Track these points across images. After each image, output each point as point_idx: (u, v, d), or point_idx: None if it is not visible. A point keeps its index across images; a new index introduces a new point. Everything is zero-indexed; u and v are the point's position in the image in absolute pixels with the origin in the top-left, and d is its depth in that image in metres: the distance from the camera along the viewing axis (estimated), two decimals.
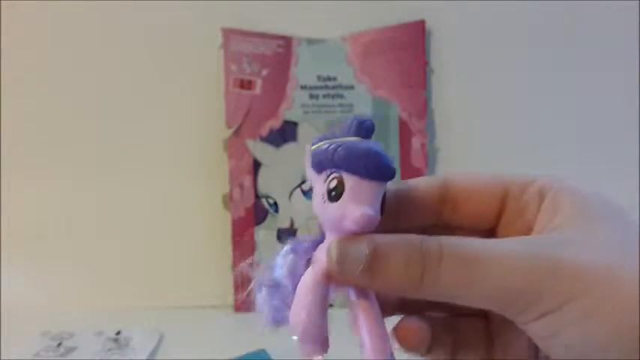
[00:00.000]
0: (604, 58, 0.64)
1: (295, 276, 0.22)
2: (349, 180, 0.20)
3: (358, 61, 0.63)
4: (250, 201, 0.62)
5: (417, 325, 0.24)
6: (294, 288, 0.21)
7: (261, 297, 0.22)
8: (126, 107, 0.64)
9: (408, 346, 0.23)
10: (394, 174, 0.21)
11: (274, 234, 0.62)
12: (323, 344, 0.22)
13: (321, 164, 0.21)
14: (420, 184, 0.24)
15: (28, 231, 0.64)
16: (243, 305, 0.62)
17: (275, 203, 0.62)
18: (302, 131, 0.62)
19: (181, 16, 0.63)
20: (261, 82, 0.62)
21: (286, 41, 0.62)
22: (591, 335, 0.19)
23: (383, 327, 0.21)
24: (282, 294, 0.22)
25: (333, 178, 0.20)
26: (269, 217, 0.62)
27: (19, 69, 0.63)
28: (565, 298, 0.19)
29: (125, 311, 0.60)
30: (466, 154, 0.65)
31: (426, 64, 0.63)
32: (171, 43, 0.63)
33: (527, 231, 0.23)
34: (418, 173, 0.63)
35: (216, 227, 0.63)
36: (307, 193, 0.63)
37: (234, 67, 0.62)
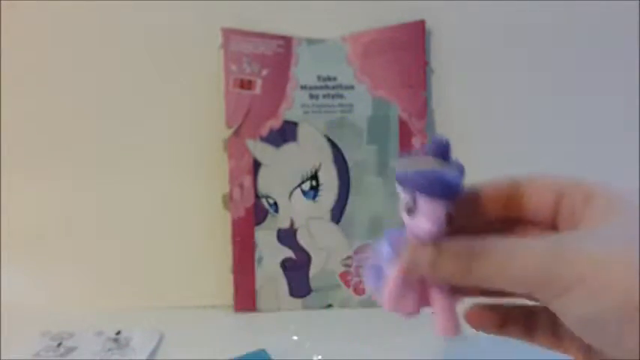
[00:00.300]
0: (604, 58, 0.64)
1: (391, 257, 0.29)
2: (420, 199, 0.26)
3: (358, 61, 0.63)
4: (250, 201, 0.62)
5: (480, 311, 0.31)
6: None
7: (367, 270, 0.30)
8: (126, 107, 0.64)
9: (475, 327, 0.31)
10: (457, 192, 0.27)
11: (274, 234, 0.62)
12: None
13: (402, 183, 0.27)
14: (492, 183, 0.31)
15: (27, 231, 0.64)
16: (243, 305, 0.62)
17: (275, 203, 0.62)
18: (302, 131, 0.62)
19: (181, 16, 0.63)
20: (261, 82, 0.62)
21: (286, 41, 0.63)
22: (596, 311, 0.23)
23: (452, 310, 0.28)
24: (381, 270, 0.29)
25: (410, 197, 0.26)
26: (269, 217, 0.62)
27: (19, 69, 0.63)
28: (570, 281, 0.23)
29: (125, 311, 0.60)
30: (466, 154, 0.65)
31: (426, 64, 0.63)
32: (171, 43, 0.63)
33: (574, 228, 0.28)
34: None
35: (216, 227, 0.63)
36: (307, 193, 0.63)
37: (234, 67, 0.62)
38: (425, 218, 0.26)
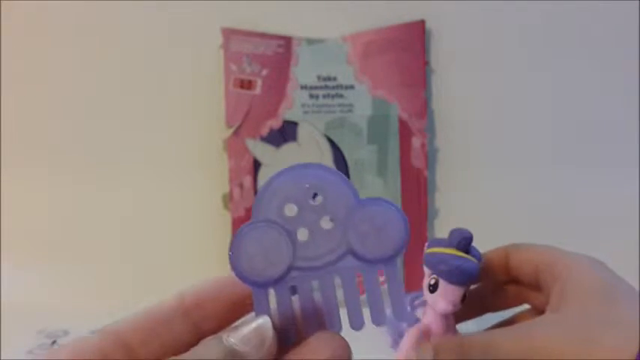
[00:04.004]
0: (604, 58, 0.64)
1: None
2: (442, 282, 0.32)
3: (358, 61, 0.63)
4: (250, 201, 0.62)
5: None
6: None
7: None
8: (126, 107, 0.64)
9: None
10: (473, 280, 0.33)
11: None
12: None
13: (427, 265, 0.33)
14: (493, 253, 0.35)
15: (27, 231, 0.64)
16: None
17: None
18: (302, 131, 0.62)
19: (181, 16, 0.63)
20: (261, 82, 0.62)
21: (286, 41, 0.62)
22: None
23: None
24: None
25: (433, 278, 0.32)
26: None
27: (19, 69, 0.63)
28: None
29: (124, 310, 0.60)
30: (466, 154, 0.65)
31: (426, 64, 0.63)
32: (171, 43, 0.63)
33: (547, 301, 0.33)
34: (418, 173, 0.63)
35: (216, 227, 0.63)
36: None
37: (234, 67, 0.62)
38: (442, 299, 0.32)
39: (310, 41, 0.63)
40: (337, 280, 0.23)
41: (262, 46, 0.62)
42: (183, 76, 0.63)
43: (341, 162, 0.63)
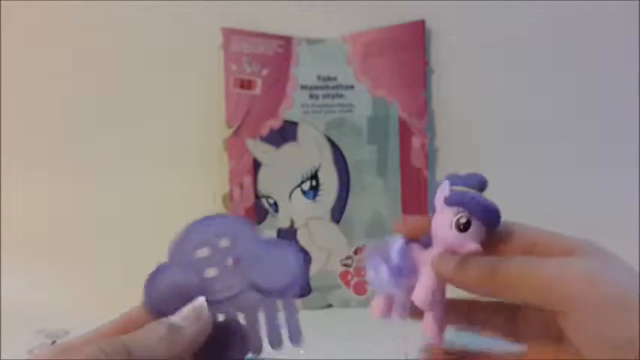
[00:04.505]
0: (604, 58, 0.64)
1: (407, 259, 0.31)
2: (474, 222, 0.29)
3: (358, 61, 0.63)
4: (250, 201, 0.62)
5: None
6: (404, 268, 0.31)
7: (376, 268, 0.31)
8: (126, 107, 0.64)
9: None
10: (498, 225, 0.30)
11: (274, 234, 0.62)
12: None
13: (456, 201, 0.30)
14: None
15: (27, 231, 0.64)
16: None
17: (275, 203, 0.62)
18: (302, 131, 0.62)
19: (181, 16, 0.63)
20: (261, 82, 0.62)
21: (286, 41, 0.62)
22: (613, 336, 0.26)
23: (440, 323, 0.31)
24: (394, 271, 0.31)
25: (463, 216, 0.30)
26: (269, 217, 0.62)
27: (19, 69, 0.63)
28: (599, 299, 0.26)
29: (124, 311, 0.60)
30: (466, 154, 0.65)
31: (426, 64, 0.63)
32: (172, 43, 0.63)
33: None
34: (418, 173, 0.63)
35: None
36: (307, 193, 0.63)
37: (234, 67, 0.62)
38: (472, 239, 0.30)
39: (310, 41, 0.63)
40: (240, 311, 0.28)
41: (262, 46, 0.62)
42: (184, 76, 0.63)
43: (341, 162, 0.63)
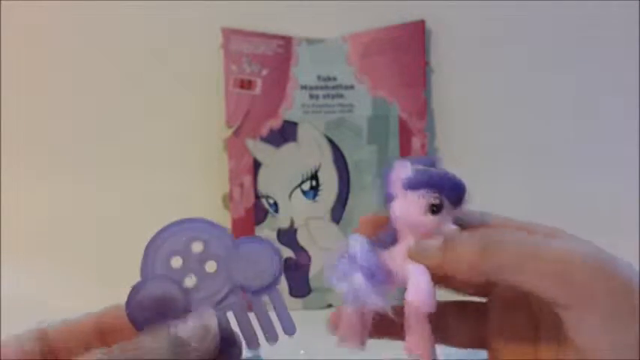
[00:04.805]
0: (604, 58, 0.64)
1: (377, 261, 0.27)
2: (445, 202, 0.26)
3: (358, 61, 0.63)
4: (250, 201, 0.62)
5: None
6: (378, 271, 0.26)
7: (346, 276, 0.27)
8: (126, 107, 0.64)
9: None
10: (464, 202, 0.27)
11: (274, 234, 0.62)
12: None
13: (422, 184, 0.27)
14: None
15: (28, 231, 0.64)
16: None
17: (275, 203, 0.62)
18: (302, 131, 0.62)
19: (181, 16, 0.63)
20: (261, 82, 0.62)
21: (286, 41, 0.62)
22: (623, 335, 0.23)
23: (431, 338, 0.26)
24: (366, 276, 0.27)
25: (435, 197, 0.26)
26: (269, 217, 0.62)
27: (19, 69, 0.63)
28: (613, 293, 0.23)
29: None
30: (466, 154, 0.65)
31: (426, 64, 0.63)
32: (172, 43, 0.63)
33: None
34: None
35: None
36: (307, 193, 0.63)
37: (234, 67, 0.62)
38: (448, 221, 0.27)
39: (310, 41, 0.63)
40: (230, 313, 0.27)
41: (262, 46, 0.62)
42: (183, 76, 0.63)
43: (341, 162, 0.63)
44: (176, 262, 0.27)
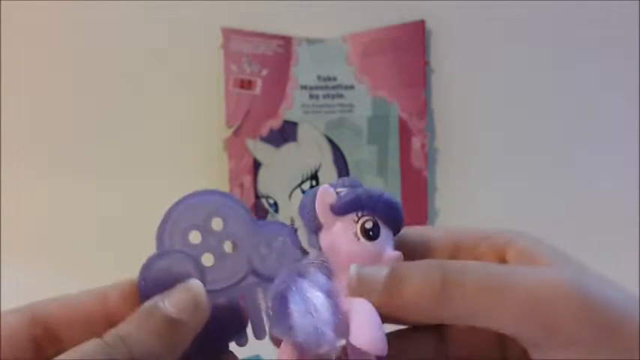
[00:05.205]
0: (604, 58, 0.64)
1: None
2: (381, 224, 0.23)
3: (358, 61, 0.63)
4: (250, 201, 0.62)
5: None
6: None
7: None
8: (126, 107, 0.64)
9: None
10: (402, 224, 0.24)
11: None
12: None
13: (351, 206, 0.23)
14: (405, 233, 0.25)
15: (27, 231, 0.64)
16: None
17: (275, 203, 0.62)
18: (302, 131, 0.62)
19: (181, 16, 0.63)
20: (261, 82, 0.62)
21: (286, 41, 0.62)
22: None
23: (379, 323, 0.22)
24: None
25: (368, 220, 0.23)
26: (269, 217, 0.62)
27: (19, 69, 0.63)
28: (600, 328, 0.19)
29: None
30: (466, 154, 0.65)
31: (426, 64, 0.63)
32: (172, 43, 0.63)
33: None
34: (418, 173, 0.63)
35: None
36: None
37: (234, 67, 0.62)
38: (389, 246, 0.23)
39: (310, 41, 0.63)
40: (239, 294, 0.25)
41: (262, 46, 0.62)
42: (183, 76, 0.63)
43: (341, 162, 0.63)
44: (194, 237, 0.25)
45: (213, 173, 0.63)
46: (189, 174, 0.64)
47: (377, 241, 0.23)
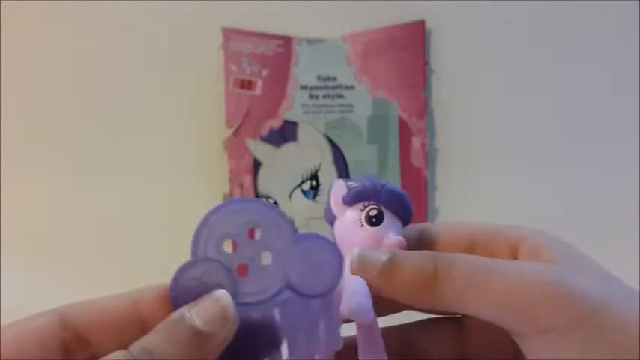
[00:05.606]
0: (604, 58, 0.64)
1: None
2: (387, 213, 0.26)
3: (358, 61, 0.63)
4: None
5: None
6: None
7: None
8: (126, 107, 0.64)
9: None
10: (410, 219, 0.27)
11: None
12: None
13: (358, 196, 0.26)
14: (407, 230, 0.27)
15: (27, 231, 0.64)
16: None
17: (275, 203, 0.62)
18: (302, 131, 0.62)
19: (181, 16, 0.63)
20: (261, 82, 0.62)
21: (286, 41, 0.62)
22: (590, 356, 0.21)
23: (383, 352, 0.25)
24: None
25: (372, 208, 0.25)
26: None
27: (19, 69, 0.63)
28: (573, 316, 0.21)
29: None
30: (466, 154, 0.65)
31: (426, 64, 0.63)
32: (172, 43, 0.63)
33: None
34: (418, 173, 0.63)
35: None
36: (307, 193, 0.63)
37: (234, 67, 0.62)
38: (392, 231, 0.25)
39: (310, 41, 0.63)
40: (275, 312, 0.24)
41: (262, 46, 0.62)
42: (184, 76, 0.63)
43: (341, 162, 0.63)
44: (229, 246, 0.24)
45: (213, 173, 0.63)
46: (189, 174, 0.64)
47: (380, 227, 0.25)
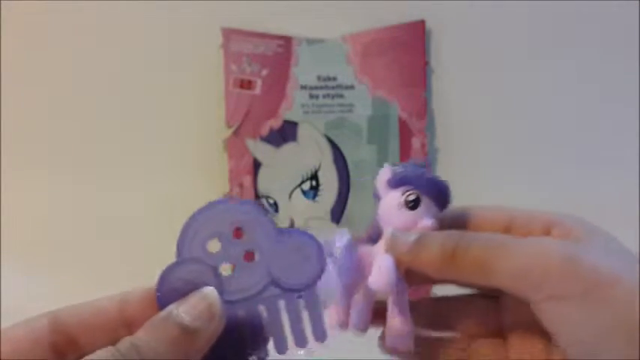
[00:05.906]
0: (604, 59, 0.64)
1: (353, 256, 0.28)
2: (424, 199, 0.28)
3: (358, 61, 0.63)
4: None
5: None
6: (351, 266, 0.28)
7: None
8: (126, 107, 0.64)
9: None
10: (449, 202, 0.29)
11: None
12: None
13: (401, 181, 0.29)
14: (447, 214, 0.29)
15: (27, 231, 0.64)
16: None
17: (275, 203, 0.62)
18: (302, 131, 0.62)
19: (181, 16, 0.63)
20: (261, 82, 0.62)
21: (286, 41, 0.62)
22: (597, 324, 0.23)
23: (408, 317, 0.27)
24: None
25: (411, 193, 0.28)
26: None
27: (19, 69, 0.63)
28: (582, 286, 0.23)
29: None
30: (466, 154, 0.65)
31: (426, 64, 0.63)
32: (171, 43, 0.63)
33: None
34: None
35: None
36: (307, 193, 0.63)
37: (234, 67, 0.62)
38: (426, 216, 0.28)
39: (310, 41, 0.63)
40: (259, 306, 0.25)
41: (262, 46, 0.62)
42: (183, 76, 0.63)
43: (341, 162, 0.63)
44: (214, 245, 0.25)
45: (213, 173, 0.63)
46: (190, 174, 0.64)
47: (416, 211, 0.28)
